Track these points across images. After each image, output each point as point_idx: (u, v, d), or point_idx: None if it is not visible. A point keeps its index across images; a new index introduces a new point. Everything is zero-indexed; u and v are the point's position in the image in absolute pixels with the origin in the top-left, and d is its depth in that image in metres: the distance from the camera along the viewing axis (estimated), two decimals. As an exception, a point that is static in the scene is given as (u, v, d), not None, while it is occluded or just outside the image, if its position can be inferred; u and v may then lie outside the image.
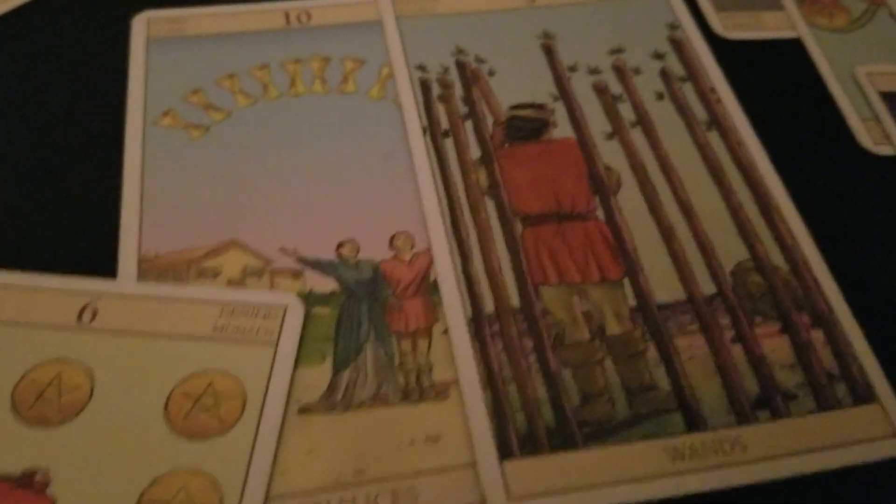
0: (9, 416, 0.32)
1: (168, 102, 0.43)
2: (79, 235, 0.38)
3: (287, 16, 0.47)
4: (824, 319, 0.37)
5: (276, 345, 0.34)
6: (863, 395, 0.35)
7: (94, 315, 0.35)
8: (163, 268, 0.37)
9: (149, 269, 0.37)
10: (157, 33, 0.46)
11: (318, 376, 0.34)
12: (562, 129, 0.43)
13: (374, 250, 0.38)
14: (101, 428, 0.32)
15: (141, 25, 0.46)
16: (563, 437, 0.33)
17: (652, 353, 0.36)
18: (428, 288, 0.37)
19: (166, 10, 0.47)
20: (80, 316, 0.35)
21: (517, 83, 0.45)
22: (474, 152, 0.42)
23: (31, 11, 0.47)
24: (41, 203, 0.40)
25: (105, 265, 0.37)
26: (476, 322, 0.36)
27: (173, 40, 0.45)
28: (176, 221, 0.38)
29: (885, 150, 0.44)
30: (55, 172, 0.41)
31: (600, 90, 0.45)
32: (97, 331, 0.34)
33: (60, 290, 0.35)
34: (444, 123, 0.43)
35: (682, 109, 0.44)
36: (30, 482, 0.31)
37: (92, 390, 0.33)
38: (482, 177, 0.41)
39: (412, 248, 0.38)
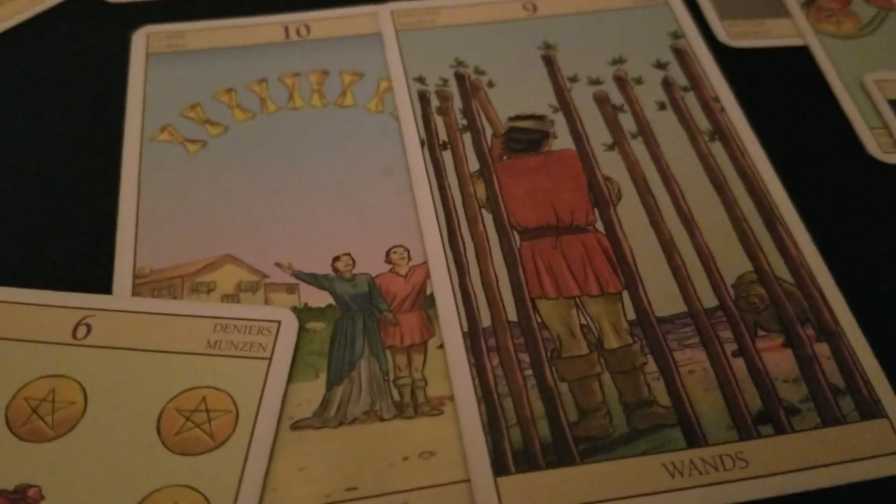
0: (3, 431, 0.32)
1: (166, 117, 0.43)
2: (75, 251, 0.38)
3: (286, 29, 0.47)
4: (829, 332, 0.36)
5: (270, 360, 0.34)
6: (869, 409, 0.34)
7: (89, 331, 0.35)
8: (158, 283, 0.37)
9: (144, 285, 0.37)
10: (157, 48, 0.46)
11: (311, 392, 0.34)
12: (562, 141, 0.43)
13: (370, 264, 0.38)
14: (93, 444, 0.32)
15: (140, 40, 0.46)
16: (560, 452, 0.32)
17: (651, 367, 0.35)
18: (424, 302, 0.37)
19: (166, 24, 0.47)
20: (74, 332, 0.35)
21: (517, 94, 0.44)
22: (473, 165, 0.41)
23: (32, 26, 0.48)
24: (37, 218, 0.40)
25: (100, 280, 0.37)
26: (472, 336, 0.35)
27: (172, 55, 0.46)
28: (171, 236, 0.38)
29: (893, 158, 0.43)
30: (51, 187, 0.41)
31: (601, 101, 0.44)
32: (91, 347, 0.34)
33: (55, 307, 0.35)
34: (443, 136, 0.42)
35: (685, 119, 0.44)
36: (23, 497, 0.31)
37: (85, 406, 0.33)
38: (480, 189, 0.40)
39: (408, 261, 0.38)
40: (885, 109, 0.44)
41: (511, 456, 0.32)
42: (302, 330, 0.35)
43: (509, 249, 0.38)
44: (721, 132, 0.43)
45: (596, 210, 0.40)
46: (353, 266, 0.38)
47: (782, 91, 0.46)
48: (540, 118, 0.43)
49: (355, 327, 0.36)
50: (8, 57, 0.47)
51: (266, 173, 0.41)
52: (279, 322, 0.35)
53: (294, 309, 0.36)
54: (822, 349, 0.36)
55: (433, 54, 0.46)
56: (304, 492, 0.31)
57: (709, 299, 0.37)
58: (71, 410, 0.33)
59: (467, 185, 0.41)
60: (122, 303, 0.36)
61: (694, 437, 0.33)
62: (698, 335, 0.36)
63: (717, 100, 0.45)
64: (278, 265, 0.38)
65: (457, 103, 0.44)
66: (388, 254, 0.38)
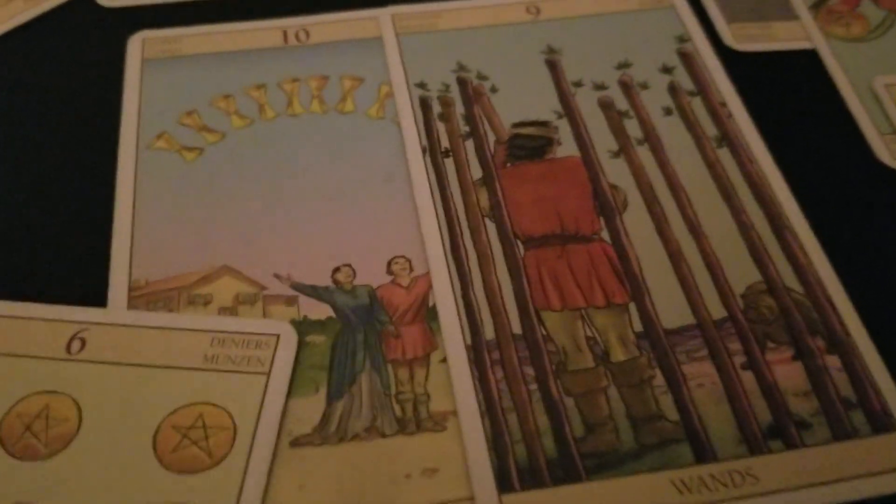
0: (-5, 450, 0.32)
1: (162, 125, 0.42)
2: (68, 262, 0.38)
3: (285, 34, 0.46)
4: (840, 344, 0.35)
5: (269, 375, 0.33)
6: (881, 423, 0.33)
7: (83, 345, 0.34)
8: (154, 296, 0.36)
9: (139, 297, 0.36)
10: (153, 54, 0.45)
11: (311, 407, 0.33)
12: (566, 148, 0.42)
13: (371, 275, 0.37)
14: (88, 462, 0.31)
15: (136, 46, 0.46)
16: (566, 469, 0.32)
17: (659, 380, 0.34)
18: (426, 314, 0.36)
19: (162, 30, 0.46)
20: (68, 346, 0.34)
21: (520, 100, 0.44)
22: (475, 172, 0.41)
23: (26, 31, 0.47)
24: (29, 228, 0.39)
25: (95, 293, 0.36)
26: (475, 349, 0.35)
27: (168, 61, 0.45)
28: (168, 247, 0.38)
29: (904, 164, 0.42)
30: (45, 198, 0.40)
31: (606, 106, 0.44)
32: (86, 362, 0.34)
33: (49, 320, 0.35)
34: (445, 143, 0.42)
35: (692, 125, 0.43)
36: (16, 517, 0.30)
37: (80, 423, 0.32)
38: (483, 198, 0.40)
39: (410, 272, 0.37)
40: (896, 114, 0.44)
41: (516, 473, 0.32)
42: (301, 343, 0.35)
43: (513, 259, 0.38)
44: (728, 138, 0.42)
45: (601, 218, 0.39)
46: (354, 277, 0.37)
47: (790, 96, 0.45)
48: (544, 124, 0.43)
49: (356, 340, 0.35)
50: (2, 62, 0.46)
51: (264, 181, 0.40)
52: (278, 335, 0.34)
53: (293, 322, 0.35)
54: (833, 361, 0.35)
55: (435, 59, 0.45)
56: (303, 511, 0.31)
57: (717, 310, 0.36)
58: (65, 427, 0.32)
59: (470, 194, 0.40)
60: (117, 316, 0.35)
61: (703, 453, 0.32)
62: (707, 347, 0.35)
63: (724, 105, 0.44)
64: (277, 277, 0.37)
65: (459, 109, 0.43)
66: (389, 264, 0.37)
